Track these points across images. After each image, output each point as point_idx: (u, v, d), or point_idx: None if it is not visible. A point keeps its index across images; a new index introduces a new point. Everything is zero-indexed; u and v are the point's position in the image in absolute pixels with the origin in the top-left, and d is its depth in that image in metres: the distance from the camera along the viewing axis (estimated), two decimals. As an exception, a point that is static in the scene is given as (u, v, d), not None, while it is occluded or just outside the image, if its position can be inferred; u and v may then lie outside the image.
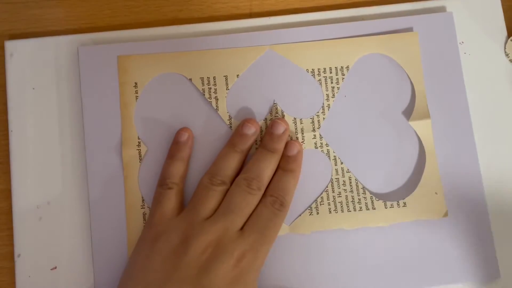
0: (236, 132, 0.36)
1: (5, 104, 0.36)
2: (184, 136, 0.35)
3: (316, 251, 0.35)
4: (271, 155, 0.34)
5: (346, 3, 0.40)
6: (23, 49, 0.37)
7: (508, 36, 0.39)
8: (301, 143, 0.36)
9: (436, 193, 0.36)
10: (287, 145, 0.35)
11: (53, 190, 0.35)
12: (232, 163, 0.34)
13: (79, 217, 0.35)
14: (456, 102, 0.38)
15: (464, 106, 0.38)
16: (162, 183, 0.34)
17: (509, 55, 0.39)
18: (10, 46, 0.37)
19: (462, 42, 0.39)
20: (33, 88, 0.36)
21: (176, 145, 0.35)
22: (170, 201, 0.33)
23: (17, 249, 0.34)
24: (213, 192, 0.33)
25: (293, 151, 0.35)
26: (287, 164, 0.35)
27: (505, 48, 0.39)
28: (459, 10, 0.39)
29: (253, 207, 0.33)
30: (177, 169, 0.34)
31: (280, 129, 0.35)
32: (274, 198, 0.33)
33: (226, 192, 0.33)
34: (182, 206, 0.34)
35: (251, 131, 0.35)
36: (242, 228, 0.32)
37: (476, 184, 0.37)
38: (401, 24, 0.38)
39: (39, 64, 0.37)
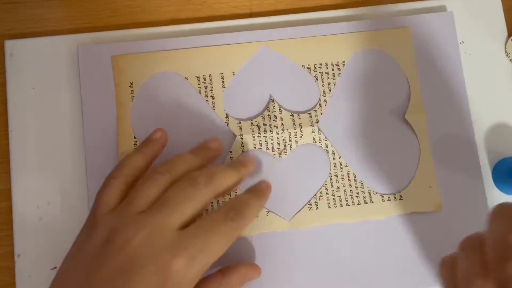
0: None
1: (5, 104, 0.36)
2: (157, 134, 0.33)
3: (316, 246, 0.35)
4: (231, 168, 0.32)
5: (347, 2, 0.40)
6: (23, 49, 0.37)
7: (508, 36, 0.39)
8: (270, 183, 0.34)
9: (430, 186, 0.36)
10: (259, 182, 0.33)
11: (53, 190, 0.35)
12: (188, 159, 0.31)
13: (79, 217, 0.35)
14: (457, 101, 0.38)
15: (465, 105, 0.38)
16: (110, 173, 0.31)
17: (510, 55, 0.39)
18: (10, 46, 0.37)
19: (463, 42, 0.39)
20: (33, 88, 0.36)
21: (144, 141, 0.33)
22: (109, 193, 0.29)
23: (17, 249, 0.34)
24: (152, 182, 0.29)
25: (262, 186, 0.33)
26: (255, 189, 0.32)
27: (505, 48, 0.39)
28: (459, 10, 0.39)
29: (197, 205, 0.28)
30: (132, 160, 0.31)
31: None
32: (230, 206, 0.29)
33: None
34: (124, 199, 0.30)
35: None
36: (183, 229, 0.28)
37: (477, 184, 0.37)
38: (401, 23, 0.38)
39: (39, 64, 0.37)
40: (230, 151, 0.36)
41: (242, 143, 0.36)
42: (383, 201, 0.36)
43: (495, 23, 0.40)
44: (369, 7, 0.39)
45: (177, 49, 0.37)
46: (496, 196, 0.37)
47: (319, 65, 0.37)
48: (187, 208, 0.28)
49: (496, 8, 0.40)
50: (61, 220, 0.35)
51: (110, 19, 0.38)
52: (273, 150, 0.36)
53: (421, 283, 0.35)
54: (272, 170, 0.36)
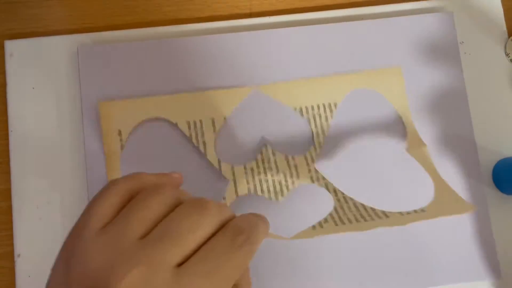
0: None
1: (5, 104, 0.36)
2: (175, 174, 0.27)
3: (325, 250, 0.35)
4: None
5: (346, 2, 0.40)
6: (23, 49, 0.37)
7: (508, 36, 0.39)
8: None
9: (456, 200, 0.35)
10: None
11: (53, 190, 0.35)
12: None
13: (79, 217, 0.35)
14: (456, 101, 0.38)
15: (465, 105, 0.38)
16: (111, 180, 0.25)
17: (509, 55, 0.39)
18: (10, 46, 0.37)
19: (462, 42, 0.39)
20: (33, 88, 0.36)
21: (161, 173, 0.27)
22: (105, 204, 0.23)
23: (17, 249, 0.34)
24: (157, 196, 0.23)
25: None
26: (255, 213, 0.27)
27: (505, 48, 0.39)
28: (459, 10, 0.39)
29: (203, 235, 0.22)
30: (143, 175, 0.25)
31: None
32: (237, 229, 0.23)
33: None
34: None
35: None
36: (182, 264, 0.21)
37: (477, 184, 0.37)
38: (401, 23, 0.38)
39: (39, 64, 0.37)
40: (224, 197, 0.35)
41: (236, 188, 0.35)
42: (402, 215, 0.34)
43: (495, 23, 0.40)
44: (369, 7, 0.39)
45: (166, 94, 0.36)
46: (496, 196, 0.37)
47: (311, 107, 0.37)
48: (190, 242, 0.22)
49: (496, 8, 0.40)
50: (61, 220, 0.35)
51: (110, 19, 0.38)
52: (268, 193, 0.35)
53: (428, 284, 0.36)
54: (269, 213, 0.34)
